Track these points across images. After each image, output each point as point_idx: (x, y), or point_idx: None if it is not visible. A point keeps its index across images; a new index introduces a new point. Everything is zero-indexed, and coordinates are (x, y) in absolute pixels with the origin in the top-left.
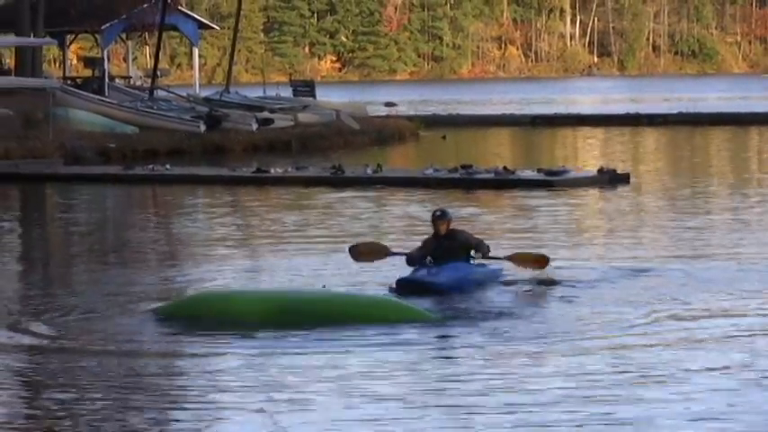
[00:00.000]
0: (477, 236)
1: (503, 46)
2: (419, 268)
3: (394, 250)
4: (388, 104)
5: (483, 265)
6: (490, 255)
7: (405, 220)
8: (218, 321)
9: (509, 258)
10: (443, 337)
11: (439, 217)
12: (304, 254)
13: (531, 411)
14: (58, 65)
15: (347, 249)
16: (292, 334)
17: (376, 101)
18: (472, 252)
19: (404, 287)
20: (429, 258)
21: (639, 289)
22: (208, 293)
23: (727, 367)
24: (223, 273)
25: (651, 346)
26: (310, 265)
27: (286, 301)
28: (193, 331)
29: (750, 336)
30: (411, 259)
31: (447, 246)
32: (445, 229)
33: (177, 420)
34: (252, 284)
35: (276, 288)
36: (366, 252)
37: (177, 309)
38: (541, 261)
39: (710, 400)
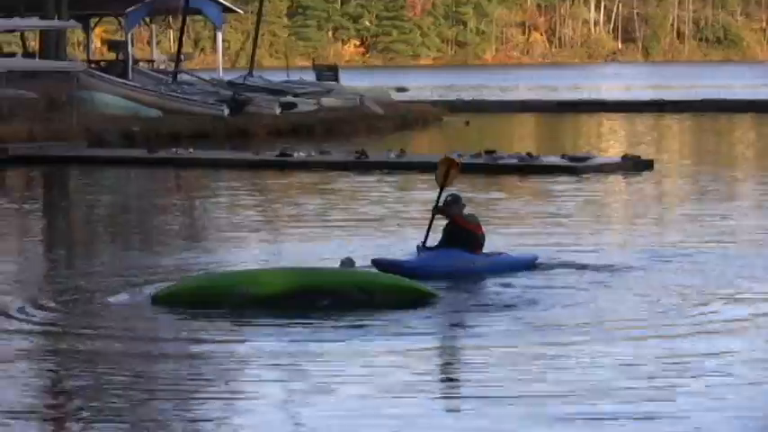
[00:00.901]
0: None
1: (527, 31)
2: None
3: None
4: (400, 89)
5: (501, 253)
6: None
7: (427, 204)
8: (220, 304)
9: (442, 186)
10: (469, 325)
11: (448, 203)
12: (325, 237)
13: (554, 403)
14: (81, 48)
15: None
16: (310, 321)
17: (399, 85)
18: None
19: (378, 266)
20: (419, 243)
21: (672, 273)
22: (206, 275)
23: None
24: (242, 256)
25: (689, 333)
26: (330, 247)
27: (288, 278)
28: (207, 317)
29: None
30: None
31: (455, 232)
32: (456, 215)
33: (195, 410)
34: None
35: (275, 266)
36: None
37: (178, 293)
38: (450, 164)
39: (754, 390)
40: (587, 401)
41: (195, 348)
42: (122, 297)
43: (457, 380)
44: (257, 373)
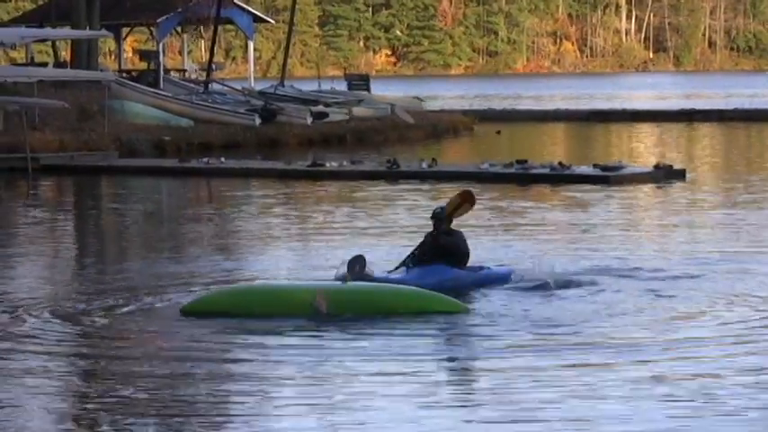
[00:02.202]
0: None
1: (558, 41)
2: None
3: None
4: (415, 99)
5: (482, 268)
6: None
7: None
8: (247, 317)
9: (449, 214)
10: (515, 341)
11: (437, 215)
12: (353, 246)
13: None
14: (113, 57)
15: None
16: (338, 334)
17: (436, 95)
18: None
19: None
20: (408, 261)
21: (710, 282)
22: (233, 288)
23: None
24: (272, 265)
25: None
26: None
27: (310, 294)
28: (235, 329)
29: None
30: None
31: (442, 244)
32: (445, 228)
33: (227, 426)
34: (299, 276)
35: (298, 282)
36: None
37: (204, 305)
38: (466, 199)
39: None
40: (631, 417)
41: (223, 362)
42: (152, 307)
43: (496, 398)
44: (284, 387)
